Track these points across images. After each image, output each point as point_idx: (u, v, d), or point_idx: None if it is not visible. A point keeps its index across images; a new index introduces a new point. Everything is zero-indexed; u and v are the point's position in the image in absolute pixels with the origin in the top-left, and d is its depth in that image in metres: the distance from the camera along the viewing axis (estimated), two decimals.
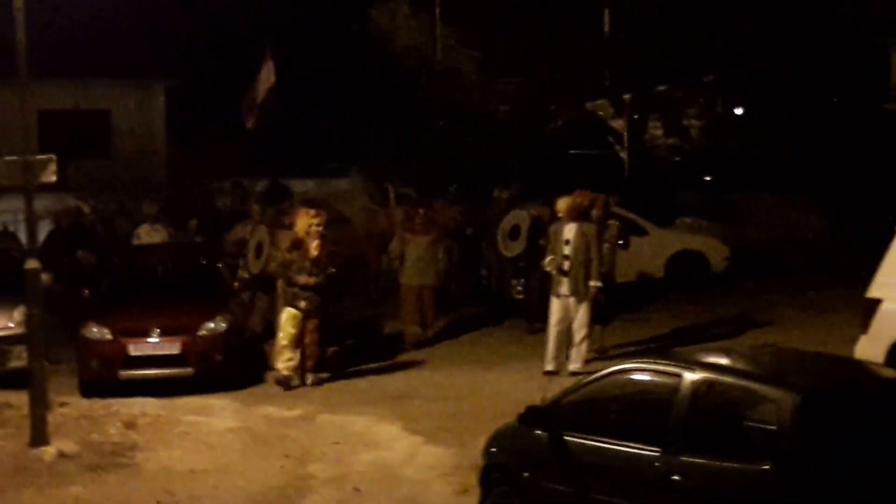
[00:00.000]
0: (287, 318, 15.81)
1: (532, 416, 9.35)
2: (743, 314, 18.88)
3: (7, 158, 13.27)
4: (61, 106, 32.57)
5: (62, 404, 14.60)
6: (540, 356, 15.57)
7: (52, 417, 13.37)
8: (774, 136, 30.95)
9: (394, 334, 18.89)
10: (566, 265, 15.26)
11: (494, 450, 9.86)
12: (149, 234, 20.26)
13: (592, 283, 15.31)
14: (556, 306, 15.41)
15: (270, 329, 17.15)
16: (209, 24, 37.46)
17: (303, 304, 15.73)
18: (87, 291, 17.37)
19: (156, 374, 15.89)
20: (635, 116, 31.64)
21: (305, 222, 16.01)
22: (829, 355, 10.33)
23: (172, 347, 15.97)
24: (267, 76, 22.27)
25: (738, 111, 33.53)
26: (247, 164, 31.59)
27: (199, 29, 37.14)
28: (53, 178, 13.35)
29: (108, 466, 12.33)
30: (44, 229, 22.75)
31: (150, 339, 15.99)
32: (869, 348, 12.16)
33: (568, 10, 29.41)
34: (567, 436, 9.04)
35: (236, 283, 17.18)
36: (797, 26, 28.39)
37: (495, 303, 19.87)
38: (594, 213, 15.98)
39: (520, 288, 19.49)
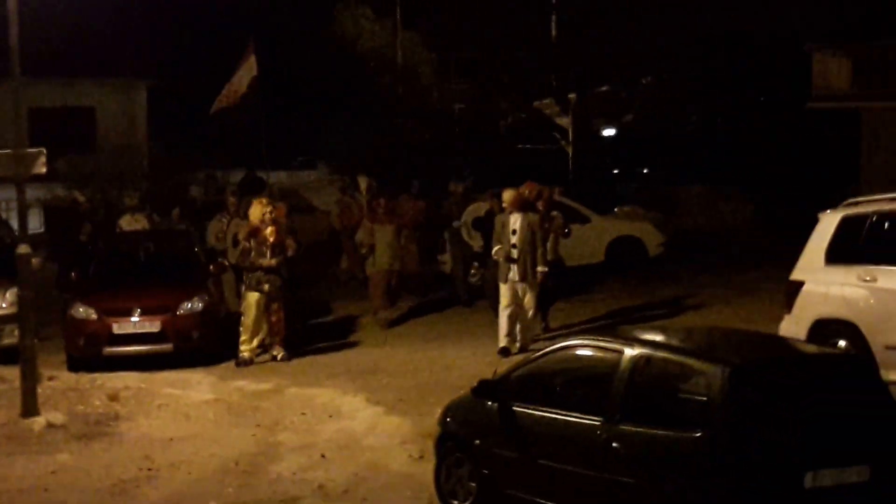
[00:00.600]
0: (249, 303, 15.68)
1: (484, 388, 9.35)
2: (677, 296, 18.93)
3: (0, 152, 13.14)
4: (50, 103, 32.26)
5: (51, 378, 14.52)
6: (492, 336, 15.54)
7: (42, 390, 13.30)
8: (707, 132, 31.11)
9: (360, 315, 18.85)
10: (514, 253, 15.12)
11: (449, 419, 9.84)
12: (130, 224, 20.21)
13: (540, 269, 15.19)
14: (505, 291, 15.24)
15: None
16: (187, 28, 37.25)
17: (266, 286, 15.59)
18: (74, 274, 17.21)
19: (137, 350, 15.82)
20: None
21: (259, 211, 15.90)
22: (756, 333, 10.40)
23: (153, 326, 15.90)
24: (249, 69, 22.01)
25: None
26: (221, 157, 31.42)
27: (177, 32, 36.93)
28: (43, 170, 13.27)
29: (94, 435, 12.27)
30: (34, 217, 22.68)
31: (132, 318, 15.90)
32: (792, 326, 12.22)
33: (518, 17, 29.40)
34: (516, 406, 9.04)
35: (212, 267, 17.07)
36: (730, 33, 28.50)
37: (457, 288, 19.80)
38: (539, 204, 15.88)
39: (474, 272, 19.50)
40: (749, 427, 7.66)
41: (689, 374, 8.15)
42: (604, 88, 31.00)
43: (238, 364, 15.57)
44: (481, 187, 22.19)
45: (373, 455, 11.22)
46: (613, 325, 16.12)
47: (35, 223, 23.34)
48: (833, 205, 12.58)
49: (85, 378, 14.93)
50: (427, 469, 10.07)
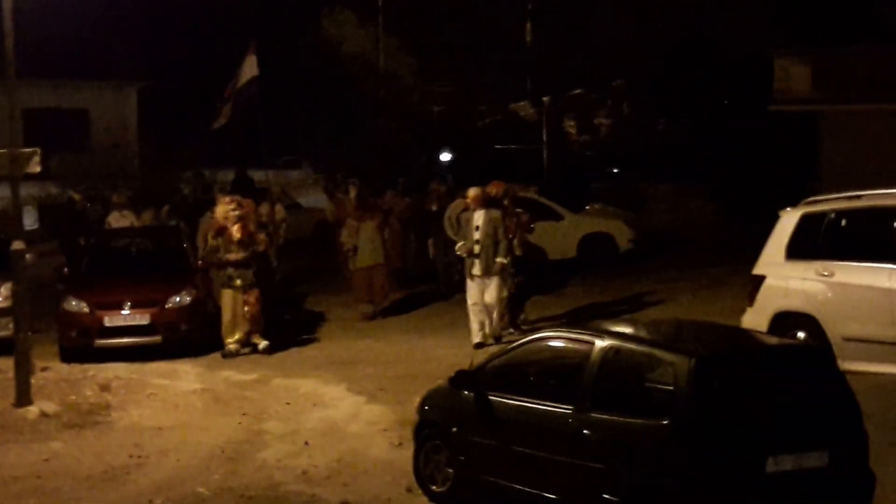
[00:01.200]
0: (225, 300, 15.56)
1: (460, 378, 9.33)
2: (646, 290, 18.95)
3: None
4: (44, 105, 32.09)
5: (44, 369, 14.43)
6: (470, 328, 15.45)
7: (35, 381, 13.22)
8: (674, 133, 31.16)
9: (344, 309, 18.79)
10: (476, 248, 15.00)
11: (427, 408, 9.82)
12: (118, 221, 20.15)
13: (499, 260, 15.00)
14: (471, 288, 15.12)
15: None
16: (177, 32, 37.09)
17: (238, 281, 15.42)
18: (66, 269, 17.11)
19: (128, 342, 15.74)
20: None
21: (223, 210, 15.79)
22: (720, 325, 10.39)
23: (143, 318, 15.81)
24: (250, 68, 21.89)
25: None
26: (209, 157, 31.28)
27: (167, 36, 36.78)
28: (37, 169, 13.22)
29: (85, 424, 12.19)
30: (28, 215, 22.58)
31: (122, 311, 15.81)
32: (754, 319, 12.25)
33: (494, 23, 29.43)
34: (491, 395, 9.03)
35: (200, 262, 16.99)
36: (697, 39, 28.57)
37: (440, 282, 19.73)
38: (506, 201, 15.78)
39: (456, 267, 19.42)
40: (713, 415, 7.67)
41: (657, 364, 8.16)
42: (576, 91, 31.07)
43: (224, 355, 15.50)
44: (462, 186, 22.17)
45: (354, 442, 11.20)
46: (584, 318, 16.14)
47: (29, 220, 23.20)
48: (793, 203, 12.62)
49: (77, 369, 14.86)
50: (406, 455, 10.05)
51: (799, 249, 12.12)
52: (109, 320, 15.77)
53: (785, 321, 11.94)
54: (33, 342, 13.57)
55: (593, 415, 8.18)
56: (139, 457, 10.96)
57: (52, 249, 20.63)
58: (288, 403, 12.87)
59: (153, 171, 27.74)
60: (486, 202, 15.19)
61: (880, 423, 9.45)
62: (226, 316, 15.56)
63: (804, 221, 12.18)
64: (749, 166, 28.10)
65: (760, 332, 10.90)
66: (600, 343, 8.43)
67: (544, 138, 30.85)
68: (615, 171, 32.59)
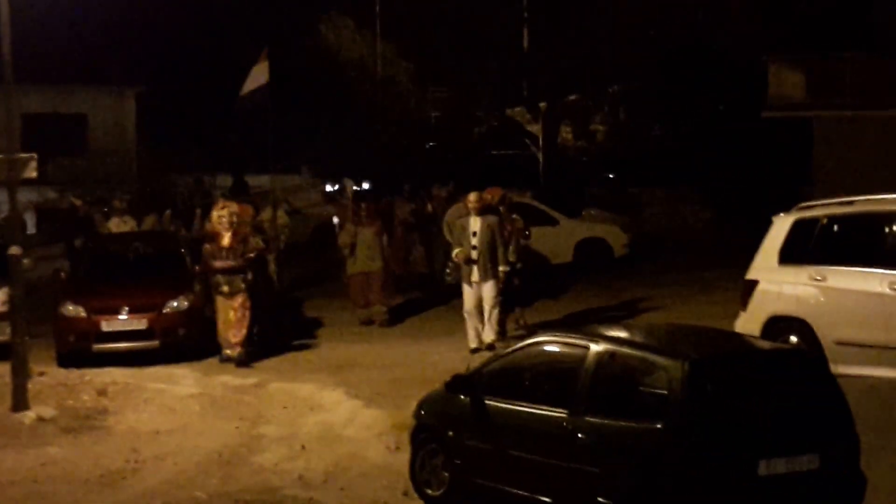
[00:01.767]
0: (218, 306, 15.46)
1: (457, 382, 9.35)
2: (640, 294, 18.96)
3: None
4: (43, 110, 32.09)
5: (41, 374, 14.40)
6: (466, 333, 15.42)
7: (32, 385, 13.20)
8: (669, 139, 31.20)
9: (341, 313, 18.77)
10: (474, 255, 14.86)
11: (424, 412, 9.83)
12: (118, 226, 20.12)
13: (501, 268, 14.90)
14: (467, 294, 14.98)
15: None
16: (175, 39, 37.11)
17: (225, 288, 15.28)
18: (63, 274, 17.08)
19: (125, 346, 15.68)
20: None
21: (216, 215, 15.70)
22: (713, 329, 10.41)
23: (140, 323, 15.76)
24: (261, 74, 21.80)
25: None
26: (208, 162, 31.28)
27: (165, 43, 36.80)
28: (34, 174, 13.17)
29: (82, 429, 12.19)
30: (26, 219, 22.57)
31: (120, 316, 15.76)
32: (747, 323, 12.26)
33: (491, 29, 29.46)
34: (487, 400, 9.04)
35: (197, 267, 16.95)
36: (692, 46, 28.62)
37: (438, 285, 19.72)
38: (502, 207, 15.68)
39: (449, 272, 19.44)
40: (706, 418, 7.69)
41: (651, 368, 8.17)
42: (573, 97, 31.11)
43: (222, 360, 15.48)
44: (463, 191, 22.17)
45: (351, 446, 11.19)
46: (580, 322, 16.15)
47: (28, 224, 23.22)
48: (786, 208, 12.65)
49: (74, 374, 14.81)
50: (403, 459, 10.06)
51: (792, 254, 12.14)
52: (107, 325, 15.72)
53: (778, 325, 11.96)
54: (31, 347, 13.54)
55: (588, 419, 8.20)
56: (136, 461, 10.95)
57: (56, 254, 20.59)
58: (285, 407, 12.86)
59: (151, 175, 27.72)
60: (484, 208, 15.10)
61: (872, 427, 9.46)
62: (217, 322, 15.52)
63: (797, 226, 12.20)
64: (743, 172, 28.16)
65: (753, 337, 10.90)
66: (595, 347, 8.45)
67: (540, 144, 30.89)
68: (610, 176, 32.65)
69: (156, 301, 15.92)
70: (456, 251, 15.21)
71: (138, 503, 9.80)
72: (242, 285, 15.29)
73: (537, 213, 20.98)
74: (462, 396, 9.26)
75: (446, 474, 9.32)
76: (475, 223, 14.98)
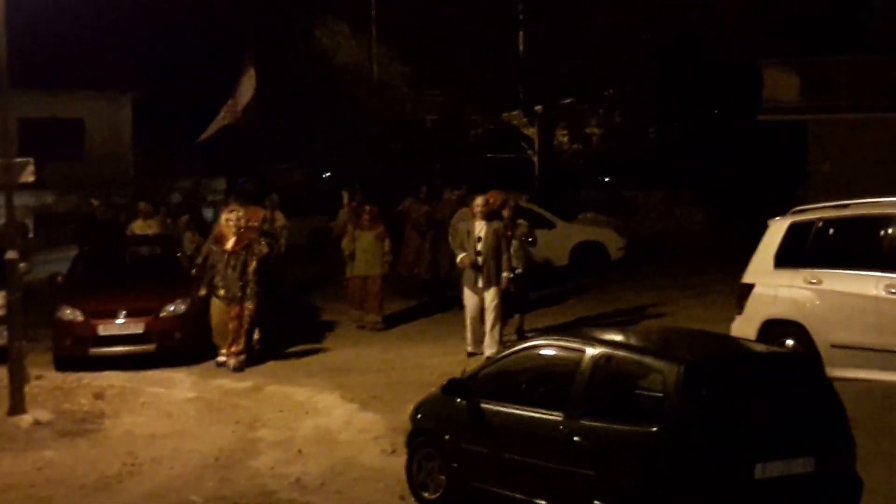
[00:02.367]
0: (213, 309, 15.39)
1: (453, 386, 9.34)
2: (636, 297, 18.98)
3: None
4: (39, 114, 32.09)
5: (38, 377, 14.38)
6: (463, 336, 15.37)
7: (29, 389, 13.16)
8: (664, 142, 31.22)
9: (338, 317, 18.77)
10: (479, 260, 14.66)
11: (420, 416, 9.82)
12: (142, 229, 20.00)
13: (505, 275, 14.75)
14: (469, 298, 14.85)
15: None
16: (171, 43, 37.11)
17: (221, 292, 15.22)
18: (60, 278, 17.05)
19: (122, 350, 15.70)
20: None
21: (224, 218, 15.60)
22: (709, 332, 10.41)
23: (137, 327, 15.77)
24: (249, 82, 21.78)
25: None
26: (204, 166, 31.27)
27: (162, 47, 36.80)
28: (31, 179, 13.15)
29: (79, 432, 12.17)
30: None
31: (117, 320, 15.77)
32: (743, 326, 12.27)
33: (487, 32, 29.45)
34: (483, 403, 9.03)
35: (193, 271, 16.93)
36: (687, 49, 28.64)
37: (441, 291, 19.65)
38: (505, 212, 15.61)
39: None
40: (702, 421, 7.68)
41: (646, 371, 8.16)
42: (568, 101, 31.10)
43: (218, 364, 15.46)
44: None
45: (347, 450, 11.19)
46: (576, 326, 16.14)
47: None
48: (782, 212, 12.66)
49: (71, 377, 14.82)
50: (399, 463, 10.05)
51: (787, 258, 12.16)
52: (104, 329, 15.73)
53: (773, 329, 11.97)
54: (28, 350, 13.52)
55: (584, 422, 8.19)
56: (133, 465, 10.93)
57: (57, 259, 20.44)
58: (281, 411, 12.85)
59: (147, 180, 27.73)
60: (488, 213, 14.88)
61: (867, 430, 9.47)
62: (212, 324, 15.48)
63: (792, 230, 12.22)
64: (739, 174, 28.18)
65: (749, 340, 10.92)
66: (591, 351, 8.44)
67: (536, 147, 30.87)
68: (606, 179, 32.66)
69: (153, 305, 15.93)
70: (460, 256, 15.00)
71: None
72: (240, 294, 15.20)
73: (534, 216, 20.96)
74: (458, 400, 9.25)
75: (443, 478, 9.31)
76: (480, 228, 14.77)
